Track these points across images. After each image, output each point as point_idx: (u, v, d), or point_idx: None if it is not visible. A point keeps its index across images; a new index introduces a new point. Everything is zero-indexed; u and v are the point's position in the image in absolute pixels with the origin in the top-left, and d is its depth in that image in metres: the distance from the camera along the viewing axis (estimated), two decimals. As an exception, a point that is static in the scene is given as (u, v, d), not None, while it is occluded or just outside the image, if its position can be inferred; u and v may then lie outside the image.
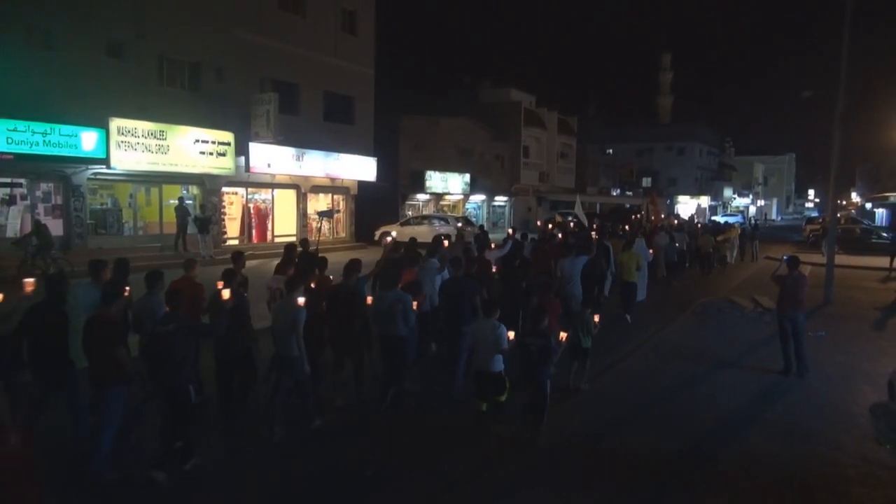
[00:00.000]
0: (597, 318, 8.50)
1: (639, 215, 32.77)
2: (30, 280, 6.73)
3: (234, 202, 24.50)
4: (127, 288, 6.68)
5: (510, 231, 16.17)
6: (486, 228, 21.80)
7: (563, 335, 7.41)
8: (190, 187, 22.33)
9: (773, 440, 7.16)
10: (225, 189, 23.48)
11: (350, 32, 27.93)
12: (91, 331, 5.76)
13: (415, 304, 7.73)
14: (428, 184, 34.62)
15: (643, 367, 10.10)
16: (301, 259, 9.60)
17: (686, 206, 68.95)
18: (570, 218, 31.00)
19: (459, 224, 27.73)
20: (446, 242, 11.55)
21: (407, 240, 11.92)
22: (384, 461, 6.39)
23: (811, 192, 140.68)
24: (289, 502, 5.76)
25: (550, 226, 22.59)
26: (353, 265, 7.95)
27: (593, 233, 16.76)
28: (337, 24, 27.15)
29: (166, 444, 5.93)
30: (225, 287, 6.80)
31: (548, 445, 6.87)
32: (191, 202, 21.99)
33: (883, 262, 22.53)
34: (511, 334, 6.92)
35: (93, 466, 5.69)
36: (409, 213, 33.85)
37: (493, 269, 10.87)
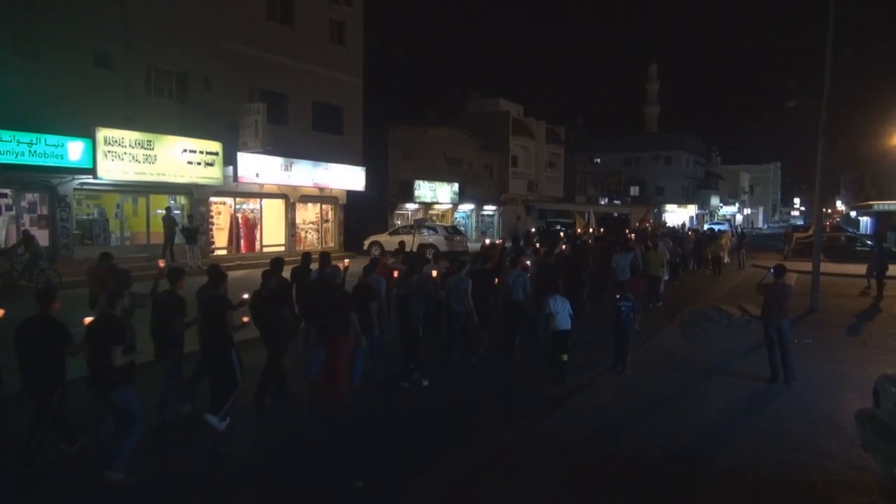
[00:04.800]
0: None
1: (648, 224, 34.95)
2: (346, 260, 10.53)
3: (221, 212, 24.42)
4: None
5: (561, 234, 23.16)
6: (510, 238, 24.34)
7: None
8: (177, 197, 22.23)
9: (760, 447, 7.20)
10: (213, 199, 23.39)
11: (338, 43, 27.98)
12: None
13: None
14: (417, 193, 34.64)
15: (633, 374, 10.12)
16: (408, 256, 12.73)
17: (673, 215, 69.28)
18: (557, 227, 33.18)
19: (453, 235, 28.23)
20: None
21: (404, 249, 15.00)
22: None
23: (797, 201, 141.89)
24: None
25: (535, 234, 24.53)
26: (487, 251, 13.48)
27: (632, 235, 22.08)
28: (325, 35, 27.20)
29: (408, 363, 9.16)
30: (437, 266, 11.19)
31: (544, 451, 6.88)
32: (178, 212, 21.87)
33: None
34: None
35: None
36: (399, 222, 33.83)
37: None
